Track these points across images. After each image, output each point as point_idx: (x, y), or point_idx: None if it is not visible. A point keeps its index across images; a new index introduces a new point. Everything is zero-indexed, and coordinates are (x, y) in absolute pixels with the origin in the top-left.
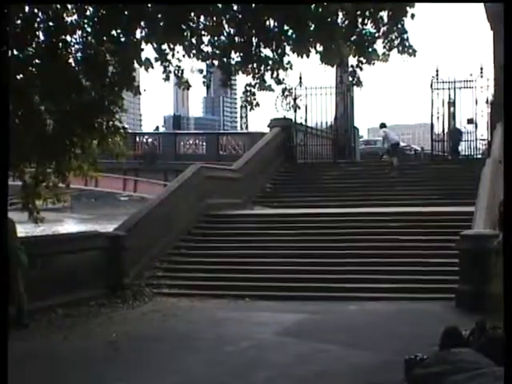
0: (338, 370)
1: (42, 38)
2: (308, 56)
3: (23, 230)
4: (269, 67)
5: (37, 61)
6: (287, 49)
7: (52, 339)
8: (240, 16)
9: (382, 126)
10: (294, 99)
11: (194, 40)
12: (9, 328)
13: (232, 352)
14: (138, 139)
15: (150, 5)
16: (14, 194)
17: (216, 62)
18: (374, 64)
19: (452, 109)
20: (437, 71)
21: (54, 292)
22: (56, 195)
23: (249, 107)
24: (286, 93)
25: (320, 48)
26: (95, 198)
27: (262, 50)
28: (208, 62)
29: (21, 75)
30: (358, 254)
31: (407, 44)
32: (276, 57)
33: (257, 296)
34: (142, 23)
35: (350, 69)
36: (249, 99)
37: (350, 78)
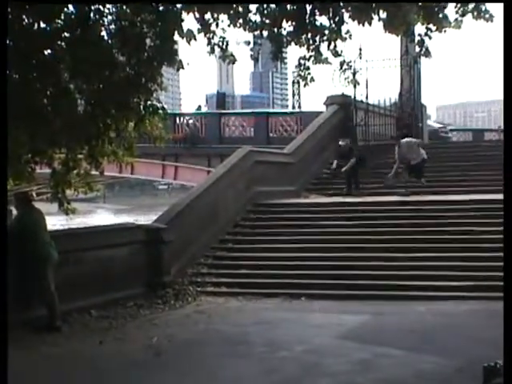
0: (404, 377)
1: (71, 8)
2: (370, 24)
3: (53, 222)
4: (325, 37)
5: (66, 34)
6: (346, 16)
7: (87, 344)
8: None
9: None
10: (354, 73)
11: (240, 8)
12: (40, 331)
13: (286, 358)
14: (178, 120)
15: None
16: (41, 183)
17: (265, 33)
18: (444, 32)
19: None
20: None
21: (88, 291)
22: (88, 184)
23: (302, 83)
24: (345, 66)
25: (383, 14)
26: (131, 186)
27: (317, 17)
28: (256, 33)
29: (48, 50)
30: (425, 247)
31: (483, 8)
32: (333, 25)
33: (313, 295)
34: None
35: (418, 38)
36: (302, 74)
37: (417, 49)
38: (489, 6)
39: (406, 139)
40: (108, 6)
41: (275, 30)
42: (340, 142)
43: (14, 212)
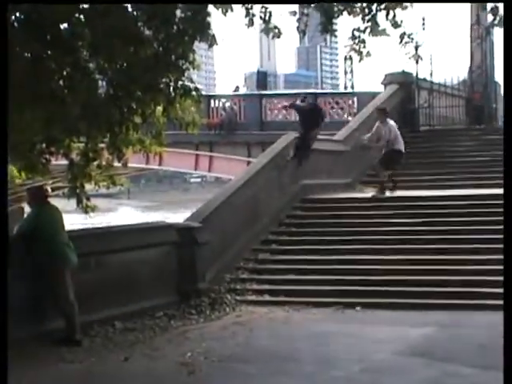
0: None
1: None
2: None
3: (70, 221)
4: (382, 6)
5: (85, 5)
6: None
7: (110, 360)
8: None
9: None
10: (416, 47)
11: None
12: (57, 346)
13: (341, 378)
14: (213, 103)
15: None
16: (57, 177)
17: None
18: None
19: None
20: None
21: (112, 300)
22: (110, 177)
23: (356, 58)
24: (406, 39)
25: None
26: (159, 180)
27: None
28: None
29: (65, 24)
30: (500, 249)
31: None
32: None
33: (370, 304)
34: None
35: (491, 5)
36: (356, 48)
37: (491, 17)
38: None
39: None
40: None
41: None
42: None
43: (27, 209)
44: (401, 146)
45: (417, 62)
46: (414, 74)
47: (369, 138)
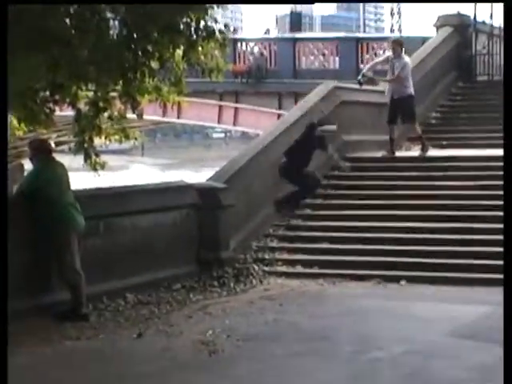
0: None
1: None
2: None
3: (77, 180)
4: None
5: None
6: None
7: (122, 337)
8: None
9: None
10: None
11: None
12: (62, 321)
13: (382, 360)
14: (240, 48)
15: None
16: (62, 129)
17: None
18: None
19: None
20: None
21: (123, 269)
22: (123, 130)
23: None
24: None
25: None
26: (177, 134)
27: None
28: None
29: None
30: None
31: None
32: None
33: (416, 277)
34: None
35: None
36: None
37: None
38: None
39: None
40: None
41: None
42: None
43: (28, 167)
44: (412, 90)
45: (475, 2)
46: (472, 17)
47: (371, 67)
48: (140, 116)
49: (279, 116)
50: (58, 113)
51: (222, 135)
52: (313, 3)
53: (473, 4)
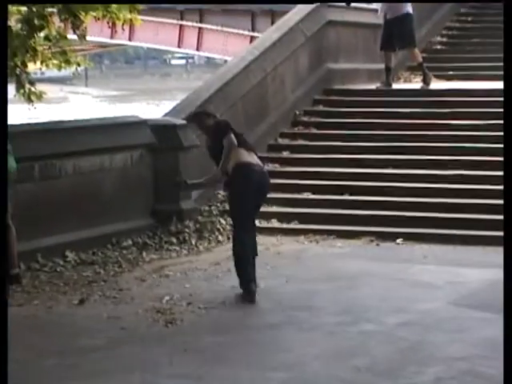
0: None
1: None
2: None
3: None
4: None
5: None
6: None
7: (60, 303)
8: None
9: None
10: None
11: None
12: None
13: (371, 333)
14: None
15: None
16: None
17: None
18: None
19: None
20: None
21: (62, 222)
22: (63, 53)
23: None
24: None
25: None
26: (128, 60)
27: None
28: None
29: None
30: None
31: None
32: None
33: (415, 235)
34: None
35: None
36: None
37: None
38: None
39: None
40: None
41: None
42: None
43: None
44: (409, 7)
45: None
46: None
47: None
48: (83, 37)
49: (252, 39)
50: None
51: (183, 62)
52: (312, 3)
53: None
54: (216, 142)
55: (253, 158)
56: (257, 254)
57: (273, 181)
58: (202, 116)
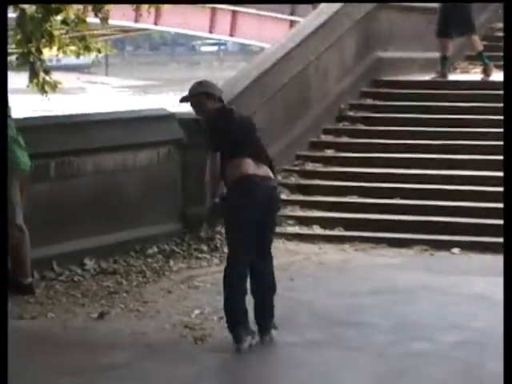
0: None
1: None
2: None
3: (20, 105)
4: None
5: None
6: None
7: (78, 317)
8: None
9: None
10: None
11: None
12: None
13: (426, 353)
14: None
15: None
16: None
17: None
18: None
19: None
20: None
21: (80, 226)
22: (82, 39)
23: None
24: None
25: None
26: (154, 47)
27: None
28: None
29: None
30: None
31: None
32: None
33: (474, 244)
34: None
35: None
36: None
37: None
38: None
39: None
40: None
41: None
42: None
43: None
44: None
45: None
46: None
47: None
48: (105, 21)
49: (292, 23)
50: None
51: (215, 48)
52: (312, 3)
53: None
54: (218, 134)
55: (260, 170)
56: (274, 290)
57: (315, 182)
58: (200, 97)
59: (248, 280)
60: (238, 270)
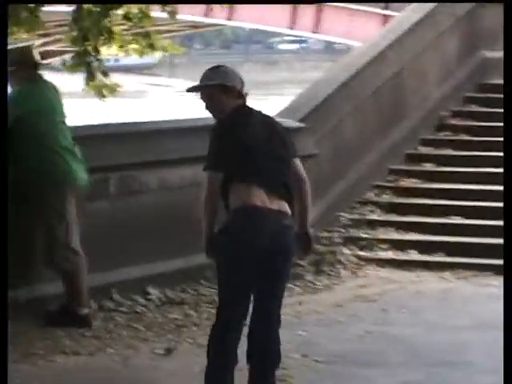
0: None
1: None
2: None
3: (75, 111)
4: None
5: None
6: None
7: (140, 352)
8: None
9: None
10: None
11: None
12: (54, 324)
13: None
14: None
15: None
16: (52, 34)
17: None
18: None
19: None
20: None
21: (143, 250)
22: (146, 36)
23: None
24: None
25: None
26: (225, 44)
27: None
28: None
29: None
30: None
31: None
32: None
33: None
34: None
35: None
36: None
37: None
38: None
39: None
40: None
41: None
42: None
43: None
44: None
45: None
46: None
47: None
48: (173, 15)
49: (386, 18)
50: (47, 7)
51: (295, 47)
52: (313, 3)
53: None
54: (226, 143)
55: (273, 203)
56: (276, 366)
57: (411, 201)
58: (214, 89)
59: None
60: (227, 331)
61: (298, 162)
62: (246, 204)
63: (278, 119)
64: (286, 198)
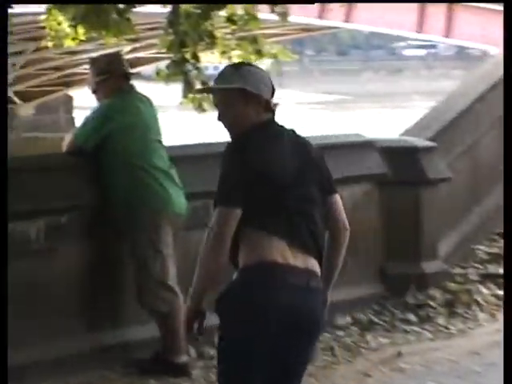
0: None
1: None
2: None
3: (172, 127)
4: None
5: None
6: None
7: None
8: None
9: None
10: None
11: None
12: (143, 374)
13: None
14: None
15: None
16: (143, 38)
17: None
18: None
19: None
20: None
21: None
22: (253, 41)
23: None
24: None
25: None
26: (341, 50)
27: None
28: None
29: None
30: None
31: None
32: None
33: None
34: None
35: None
36: None
37: None
38: None
39: None
40: None
41: None
42: None
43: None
44: None
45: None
46: None
47: None
48: (285, 17)
49: None
50: (138, 9)
51: (422, 52)
52: (313, 3)
53: None
54: (244, 174)
55: (297, 259)
56: None
57: None
58: (233, 93)
59: None
60: None
61: (337, 198)
62: (264, 260)
63: (404, 138)
64: (314, 252)
